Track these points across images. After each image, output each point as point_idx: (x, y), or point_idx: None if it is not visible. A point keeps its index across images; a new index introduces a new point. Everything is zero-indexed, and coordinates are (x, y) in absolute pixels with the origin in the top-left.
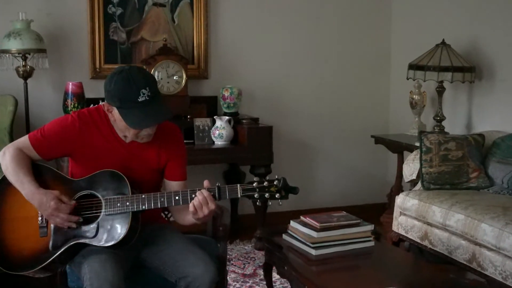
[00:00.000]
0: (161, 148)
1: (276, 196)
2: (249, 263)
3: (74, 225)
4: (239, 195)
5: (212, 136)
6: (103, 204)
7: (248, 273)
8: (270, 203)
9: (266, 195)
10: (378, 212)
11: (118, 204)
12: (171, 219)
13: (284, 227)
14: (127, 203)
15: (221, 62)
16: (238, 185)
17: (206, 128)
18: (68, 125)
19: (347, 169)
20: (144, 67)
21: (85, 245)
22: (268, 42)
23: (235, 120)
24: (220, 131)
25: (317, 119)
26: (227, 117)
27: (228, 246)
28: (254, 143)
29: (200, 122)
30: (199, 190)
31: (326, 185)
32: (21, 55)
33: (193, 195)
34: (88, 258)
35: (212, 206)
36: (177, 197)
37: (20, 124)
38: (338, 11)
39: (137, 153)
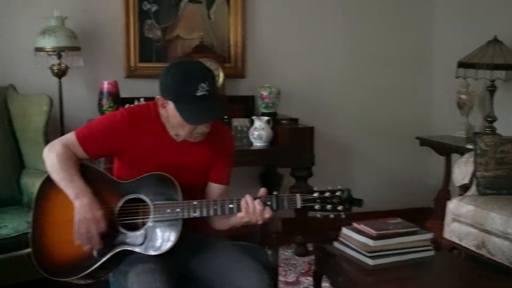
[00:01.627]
0: (212, 148)
1: (339, 208)
2: (290, 270)
3: (88, 248)
4: (298, 206)
5: (251, 137)
6: (152, 209)
7: (291, 280)
8: (332, 216)
9: (328, 207)
10: (421, 218)
11: (168, 210)
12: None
13: (335, 233)
14: (178, 210)
15: (258, 61)
16: (298, 195)
17: (245, 128)
18: (117, 122)
19: (388, 171)
20: None
21: (131, 252)
22: (306, 40)
23: (274, 120)
24: (259, 132)
25: (357, 119)
26: (266, 118)
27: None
28: (295, 144)
29: (238, 122)
30: (255, 199)
31: (366, 188)
32: (55, 53)
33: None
34: (134, 267)
35: (267, 216)
36: (231, 206)
37: (55, 124)
38: (378, 8)
39: (187, 152)
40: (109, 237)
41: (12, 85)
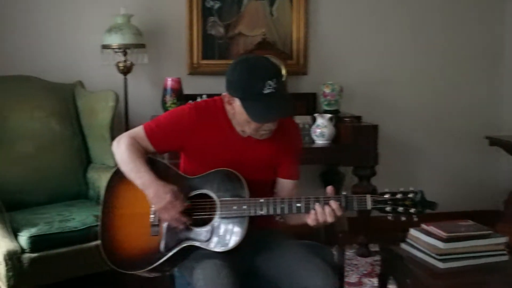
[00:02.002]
0: (278, 143)
1: (411, 211)
2: (352, 270)
3: (181, 226)
4: (368, 207)
5: (313, 134)
6: (218, 206)
7: (353, 281)
8: (403, 219)
9: (400, 209)
10: (489, 220)
11: (234, 207)
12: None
13: (401, 235)
14: (244, 207)
15: (320, 57)
16: (368, 196)
17: (307, 126)
18: (184, 117)
19: (454, 172)
20: None
21: (196, 248)
22: (369, 36)
23: (337, 118)
24: (321, 130)
25: (422, 117)
26: (328, 115)
27: None
28: (359, 142)
29: (300, 120)
30: (325, 199)
31: (431, 188)
32: (121, 50)
33: (317, 203)
34: (201, 263)
35: (338, 216)
36: (298, 205)
37: (119, 120)
38: (443, 3)
39: (253, 148)
40: (176, 232)
41: (80, 82)
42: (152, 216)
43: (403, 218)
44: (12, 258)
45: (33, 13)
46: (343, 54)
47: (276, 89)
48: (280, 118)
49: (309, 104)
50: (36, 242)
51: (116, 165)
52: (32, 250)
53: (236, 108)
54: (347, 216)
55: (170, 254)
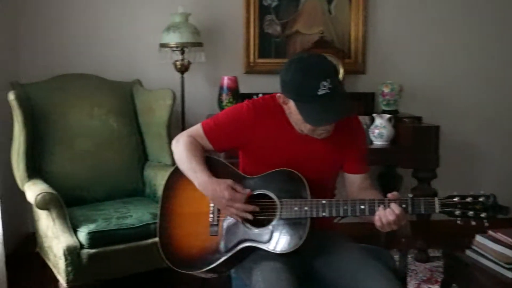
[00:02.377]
0: (340, 138)
1: (482, 215)
2: (411, 276)
3: (250, 216)
4: (436, 211)
5: (371, 135)
6: (279, 206)
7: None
8: (474, 223)
9: (470, 213)
10: None
11: (295, 208)
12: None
13: (466, 240)
14: (305, 208)
15: (378, 56)
16: (436, 199)
17: (364, 126)
18: (242, 114)
19: None
20: None
21: (255, 249)
22: (430, 35)
23: (396, 118)
24: (380, 130)
25: (485, 119)
26: (387, 115)
27: None
28: (419, 144)
29: None
30: (389, 202)
31: (495, 193)
32: (179, 48)
33: (382, 206)
34: (259, 265)
35: (402, 223)
36: (362, 207)
37: (176, 118)
38: (506, 1)
39: (314, 145)
40: (235, 232)
41: (139, 80)
42: (211, 215)
43: (473, 223)
44: (72, 253)
45: (94, 12)
46: (403, 53)
47: (331, 90)
48: (337, 120)
49: (367, 104)
50: (94, 238)
51: (174, 163)
52: (90, 246)
53: (291, 109)
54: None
55: (229, 254)
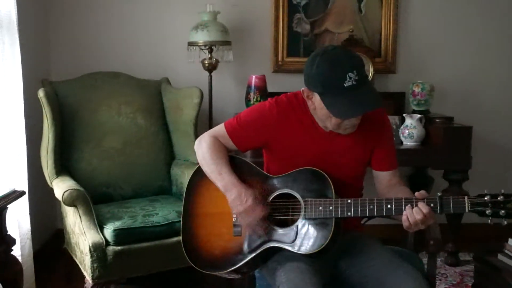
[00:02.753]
0: (367, 134)
1: None
2: (440, 280)
3: (261, 232)
4: (466, 210)
5: (401, 135)
6: (303, 206)
7: None
8: (505, 222)
9: (502, 212)
10: None
11: (320, 208)
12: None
13: (498, 244)
14: (330, 208)
15: (410, 55)
16: (466, 197)
17: (394, 126)
18: (266, 112)
19: None
20: None
21: (279, 249)
22: (463, 33)
23: (426, 119)
24: (410, 131)
25: None
26: (418, 115)
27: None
28: (450, 145)
29: None
30: (417, 201)
31: None
32: (207, 47)
33: (409, 205)
34: (284, 266)
35: (430, 222)
36: (389, 206)
37: (203, 117)
38: None
39: (340, 143)
40: (260, 233)
41: (167, 79)
42: (234, 216)
43: (505, 222)
44: (97, 250)
45: (123, 11)
46: (434, 52)
47: (357, 81)
48: (364, 113)
49: (397, 103)
50: (120, 235)
51: (198, 163)
52: (116, 243)
53: (316, 103)
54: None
55: (253, 255)
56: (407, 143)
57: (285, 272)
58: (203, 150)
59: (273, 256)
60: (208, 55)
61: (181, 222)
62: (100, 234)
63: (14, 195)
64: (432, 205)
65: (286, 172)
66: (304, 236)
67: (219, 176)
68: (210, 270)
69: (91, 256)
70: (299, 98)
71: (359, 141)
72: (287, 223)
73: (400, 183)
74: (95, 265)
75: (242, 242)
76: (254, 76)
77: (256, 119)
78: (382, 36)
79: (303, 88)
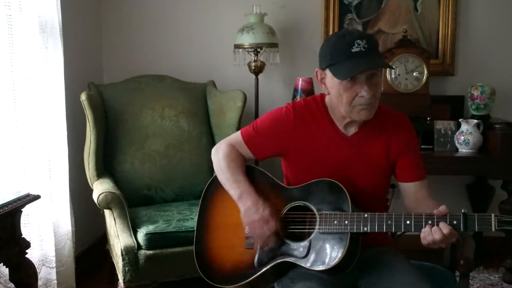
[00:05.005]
0: (390, 139)
1: None
2: None
3: (270, 246)
4: (493, 229)
5: (456, 142)
6: (318, 219)
7: None
8: None
9: None
10: None
11: (335, 222)
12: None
13: None
14: (346, 222)
15: (469, 57)
16: (493, 214)
17: (449, 132)
18: (282, 118)
19: None
20: None
21: (293, 264)
22: None
23: (486, 124)
24: (465, 137)
25: None
26: (475, 121)
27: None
28: (510, 153)
29: (442, 125)
30: (438, 219)
31: None
32: (253, 49)
33: (429, 221)
34: (296, 283)
35: (452, 241)
36: (408, 222)
37: (249, 120)
38: None
39: (361, 147)
40: (271, 247)
41: (212, 82)
42: (247, 228)
43: None
44: (129, 253)
45: (169, 14)
46: (497, 52)
47: (366, 49)
48: (370, 70)
49: (455, 108)
50: (152, 239)
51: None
52: (147, 247)
53: (328, 84)
54: (495, 235)
55: (263, 270)
56: (463, 150)
57: None
58: (219, 158)
59: (289, 272)
60: (254, 58)
61: (195, 233)
62: (133, 237)
63: (27, 199)
64: (455, 222)
65: (305, 182)
66: (318, 251)
67: (235, 184)
68: (221, 283)
69: (123, 260)
70: (318, 101)
71: (382, 145)
72: (303, 237)
73: (429, 197)
74: (126, 269)
75: (253, 256)
76: (301, 79)
77: (272, 126)
78: (440, 36)
79: (316, 69)
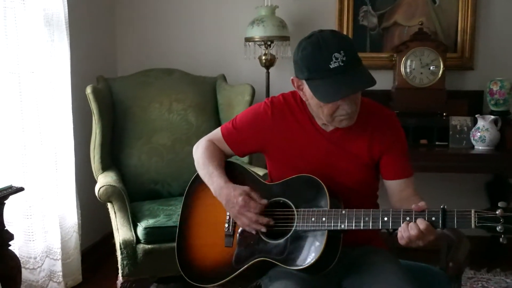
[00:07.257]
0: (373, 137)
1: None
2: None
3: (264, 229)
4: (472, 226)
5: (472, 138)
6: (296, 216)
7: None
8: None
9: None
10: None
11: (313, 219)
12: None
13: None
14: (323, 219)
15: (489, 51)
16: (473, 210)
17: (465, 128)
18: (260, 114)
19: None
20: (395, 55)
21: (271, 264)
22: None
23: (504, 120)
24: (482, 133)
25: None
26: (492, 117)
27: (485, 275)
28: None
29: (457, 121)
30: (416, 215)
31: None
32: (263, 42)
33: (407, 218)
34: (273, 282)
35: (430, 239)
36: (385, 218)
37: None
38: None
39: (342, 144)
40: (248, 244)
41: (223, 75)
42: (226, 225)
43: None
44: (127, 247)
45: (180, 7)
46: None
47: (345, 63)
48: (352, 93)
49: (473, 103)
50: (150, 234)
51: (250, 162)
52: (146, 241)
53: (306, 93)
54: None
55: (241, 269)
56: (479, 147)
57: None
58: (199, 154)
59: (268, 271)
60: (264, 51)
61: (177, 232)
62: (132, 231)
63: (9, 191)
64: (433, 218)
65: (288, 177)
66: (295, 250)
67: (210, 179)
68: (200, 282)
69: (121, 253)
70: (297, 96)
71: (365, 142)
72: (281, 235)
73: (415, 195)
74: (125, 262)
75: (232, 254)
76: None
77: (250, 121)
78: (459, 29)
79: (292, 77)
